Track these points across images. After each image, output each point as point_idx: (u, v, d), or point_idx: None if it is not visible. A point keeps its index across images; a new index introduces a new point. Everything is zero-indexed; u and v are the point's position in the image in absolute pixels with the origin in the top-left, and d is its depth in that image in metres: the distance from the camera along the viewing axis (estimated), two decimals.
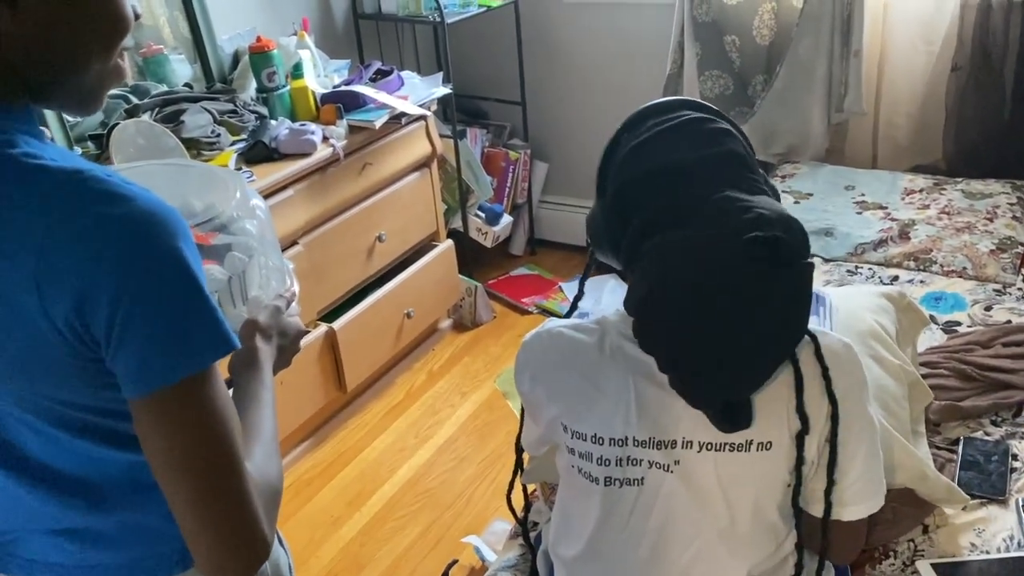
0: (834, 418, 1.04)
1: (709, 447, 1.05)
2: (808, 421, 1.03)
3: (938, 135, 2.69)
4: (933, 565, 1.36)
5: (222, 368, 0.79)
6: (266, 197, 2.19)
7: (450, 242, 2.97)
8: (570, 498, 1.18)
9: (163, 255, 0.71)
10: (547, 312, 3.19)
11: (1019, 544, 1.40)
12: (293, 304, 1.08)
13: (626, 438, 1.06)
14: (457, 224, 3.19)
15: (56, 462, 0.80)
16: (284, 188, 2.24)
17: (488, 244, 3.31)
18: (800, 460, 1.05)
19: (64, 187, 0.70)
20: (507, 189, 3.41)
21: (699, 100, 1.15)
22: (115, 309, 0.70)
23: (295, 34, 2.65)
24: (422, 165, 2.80)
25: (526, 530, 1.47)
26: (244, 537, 0.75)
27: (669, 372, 1.02)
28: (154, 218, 0.71)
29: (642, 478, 1.07)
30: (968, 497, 1.45)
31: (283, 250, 2.22)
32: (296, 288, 1.12)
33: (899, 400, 1.48)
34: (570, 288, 3.29)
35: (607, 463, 1.08)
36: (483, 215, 3.27)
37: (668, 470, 1.06)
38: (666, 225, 1.02)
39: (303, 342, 2.25)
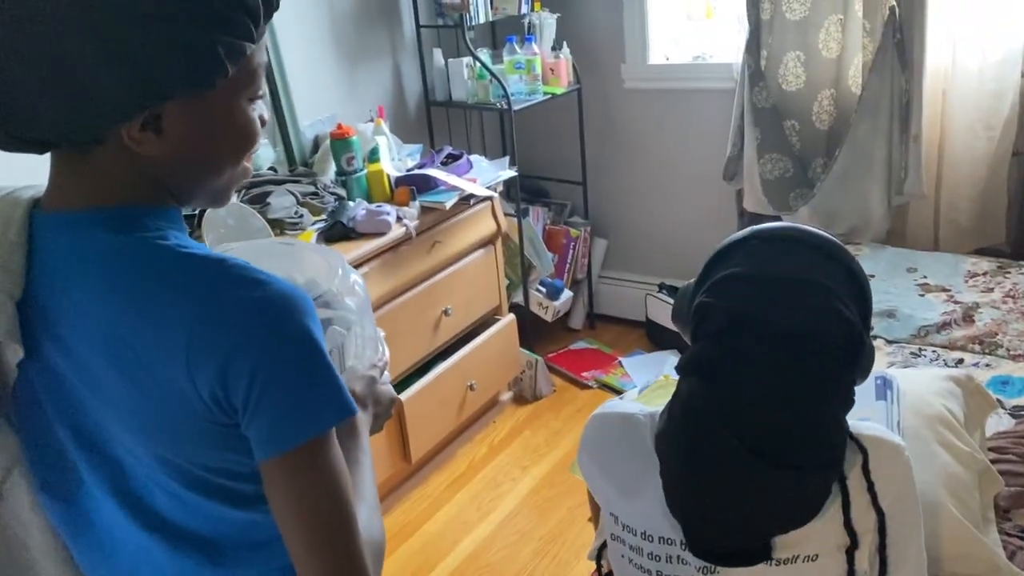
0: (881, 531, 1.03)
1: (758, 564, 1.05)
2: (857, 536, 1.03)
3: (1001, 219, 2.70)
4: None
5: None
6: None
7: (512, 316, 3.05)
8: None
9: (295, 332, 0.80)
10: (606, 386, 3.22)
11: None
12: (386, 372, 1.16)
13: (673, 540, 1.07)
14: (519, 299, 3.27)
15: (182, 520, 0.88)
16: (360, 265, 2.35)
17: (548, 318, 3.38)
18: (851, 573, 1.04)
19: (211, 273, 0.80)
20: (567, 265, 3.50)
21: (836, 243, 1.11)
22: (253, 380, 0.78)
23: (372, 120, 2.81)
24: (487, 243, 2.90)
25: None
26: None
27: (669, 509, 1.05)
28: (287, 300, 0.80)
29: None
30: None
31: None
32: (387, 356, 1.20)
33: (969, 488, 1.48)
34: (630, 363, 3.33)
35: (657, 559, 1.09)
36: (544, 290, 3.35)
37: (715, 572, 1.06)
38: (710, 372, 1.04)
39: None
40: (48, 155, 0.84)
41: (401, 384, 2.62)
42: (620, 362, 3.36)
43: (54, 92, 0.76)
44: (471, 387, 2.84)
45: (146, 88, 0.77)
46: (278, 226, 2.25)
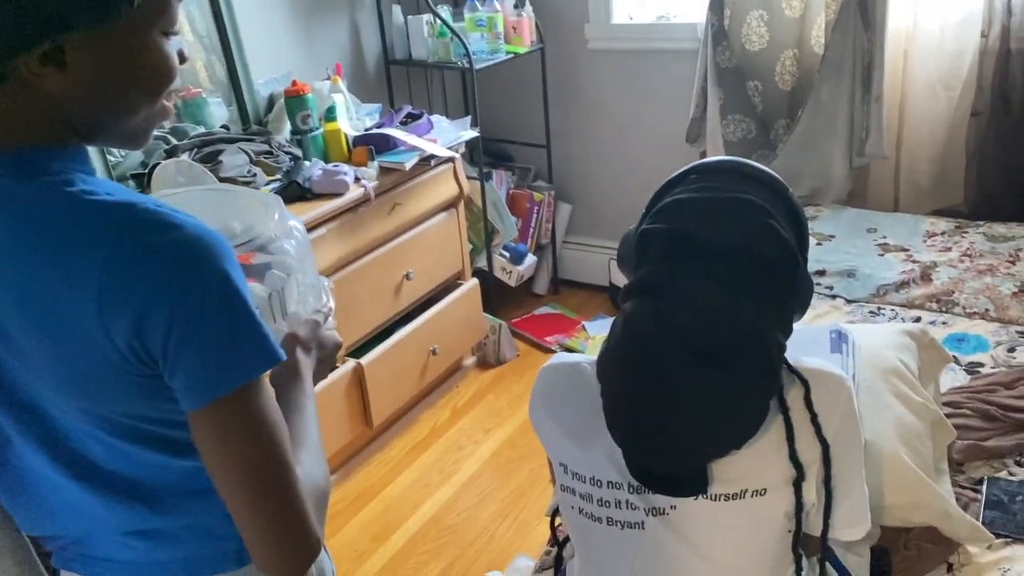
0: (826, 461, 1.05)
1: (704, 496, 1.05)
2: (802, 468, 1.04)
3: (959, 179, 2.72)
4: None
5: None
6: None
7: (475, 281, 3.02)
8: (580, 541, 1.19)
9: (211, 277, 0.76)
10: (570, 351, 3.21)
11: None
12: (330, 319, 1.14)
13: (621, 483, 1.08)
14: (482, 263, 3.24)
15: (121, 470, 0.85)
16: (317, 227, 2.30)
17: (512, 283, 3.35)
18: (799, 506, 1.05)
19: (119, 219, 0.76)
20: (531, 230, 3.47)
21: (776, 178, 1.15)
22: (171, 329, 0.75)
23: (328, 79, 2.74)
24: (449, 206, 2.86)
25: (560, 557, 1.47)
26: (296, 535, 0.80)
27: (611, 433, 1.05)
28: (202, 243, 0.76)
29: (642, 522, 1.09)
30: (992, 536, 1.45)
31: None
32: (332, 304, 1.17)
33: (922, 438, 1.49)
34: (593, 327, 3.33)
35: (607, 504, 1.10)
36: (508, 255, 3.33)
37: (665, 514, 1.07)
38: (652, 288, 1.05)
39: (332, 377, 2.30)
40: None
41: (362, 349, 2.59)
42: (583, 326, 3.35)
43: None
44: (433, 352, 2.81)
45: (43, 17, 0.72)
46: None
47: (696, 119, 3.01)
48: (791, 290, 1.07)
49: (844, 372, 1.12)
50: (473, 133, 2.84)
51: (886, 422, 1.43)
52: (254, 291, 1.07)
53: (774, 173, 1.14)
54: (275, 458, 0.80)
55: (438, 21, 2.96)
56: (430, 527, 2.40)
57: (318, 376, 1.07)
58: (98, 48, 0.76)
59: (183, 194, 1.33)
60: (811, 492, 1.06)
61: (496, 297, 3.28)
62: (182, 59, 0.84)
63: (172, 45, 0.82)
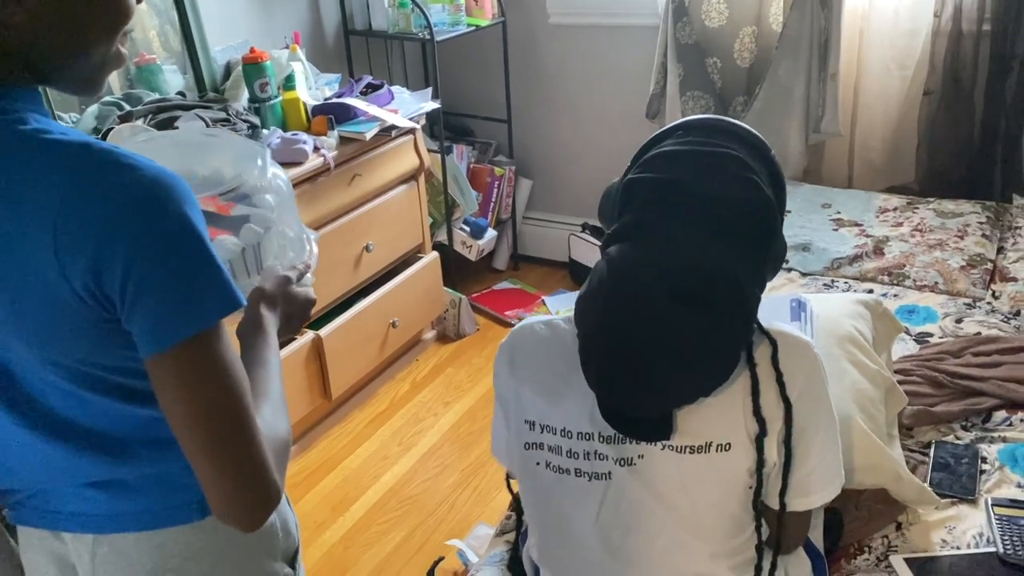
0: (788, 421, 1.07)
1: (670, 448, 1.08)
2: (765, 424, 1.06)
3: (911, 157, 2.78)
4: (906, 560, 1.41)
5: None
6: None
7: (436, 254, 3.01)
8: (543, 498, 1.19)
9: (170, 219, 0.75)
10: None
11: (988, 540, 1.45)
12: (308, 275, 1.12)
13: (592, 434, 1.10)
14: (442, 237, 3.24)
15: (81, 418, 0.84)
16: None
17: (472, 257, 3.35)
18: (761, 463, 1.08)
19: (75, 159, 0.74)
20: (492, 204, 3.47)
21: (759, 137, 1.17)
22: (128, 272, 0.74)
23: (287, 47, 2.70)
24: (410, 178, 2.85)
25: (520, 519, 1.48)
26: (256, 484, 0.80)
27: (584, 373, 1.07)
28: (160, 184, 0.75)
29: (609, 472, 1.11)
30: (939, 499, 1.50)
31: None
32: (314, 259, 1.16)
33: (876, 404, 1.53)
34: (553, 302, 3.34)
35: (576, 456, 1.11)
36: (468, 229, 3.32)
37: (632, 464, 1.09)
38: (635, 232, 1.08)
39: (291, 348, 2.26)
40: None
41: (321, 320, 2.57)
42: (543, 301, 3.37)
43: None
44: (393, 325, 2.80)
45: None
46: None
47: (656, 95, 3.03)
48: (768, 245, 1.10)
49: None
50: (434, 105, 2.82)
51: (842, 387, 1.46)
52: (227, 244, 1.06)
53: (757, 133, 1.17)
54: (234, 405, 0.79)
55: None
56: (389, 498, 2.40)
57: (285, 332, 1.06)
58: None
59: (168, 137, 1.31)
60: (772, 450, 1.08)
61: (456, 271, 3.28)
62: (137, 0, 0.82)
63: None
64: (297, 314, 1.08)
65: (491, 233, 3.40)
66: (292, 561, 1.05)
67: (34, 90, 0.80)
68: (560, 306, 3.31)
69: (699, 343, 1.02)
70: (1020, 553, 1.40)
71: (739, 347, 1.05)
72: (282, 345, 1.11)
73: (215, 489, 0.79)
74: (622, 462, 1.09)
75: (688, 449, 1.07)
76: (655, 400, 1.04)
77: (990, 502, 1.51)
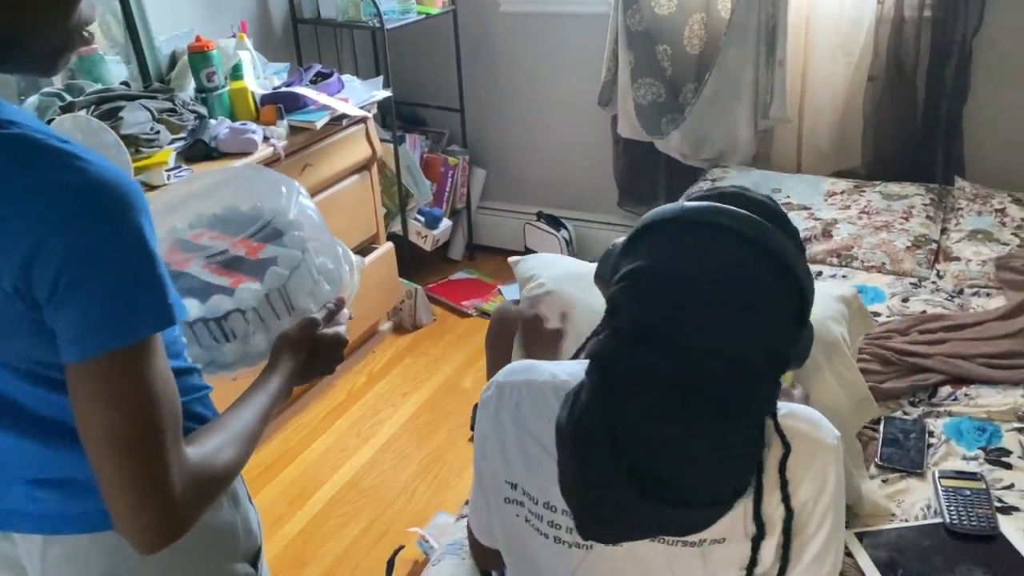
0: (787, 530, 0.97)
1: (661, 540, 0.99)
2: (764, 527, 0.97)
3: (857, 142, 2.83)
4: (856, 534, 1.44)
5: None
6: None
7: (390, 244, 2.99)
8: (518, 543, 1.11)
9: (112, 223, 0.73)
10: (486, 314, 3.23)
11: (935, 512, 1.49)
12: (344, 311, 1.10)
13: None
14: (397, 228, 3.21)
15: (28, 411, 0.82)
16: None
17: (427, 247, 3.34)
18: (754, 562, 0.99)
19: (22, 152, 0.72)
20: (446, 194, 3.46)
21: (787, 224, 0.95)
22: (61, 273, 0.71)
23: (234, 36, 2.65)
24: (362, 168, 2.82)
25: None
26: (154, 511, 0.77)
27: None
28: (108, 186, 0.73)
29: (591, 545, 1.03)
30: (891, 509, 1.50)
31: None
32: (352, 289, 1.16)
33: (848, 419, 1.51)
34: (509, 291, 3.34)
35: (557, 527, 1.03)
36: (423, 219, 3.31)
37: (618, 544, 1.01)
38: (648, 337, 0.88)
39: None
40: None
41: None
42: (499, 290, 3.37)
43: None
44: (348, 316, 2.77)
45: None
46: (133, 143, 2.10)
47: (608, 82, 3.04)
48: (796, 340, 0.94)
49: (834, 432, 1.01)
50: (385, 93, 2.80)
51: (817, 399, 1.43)
52: (246, 293, 1.06)
53: (770, 227, 0.90)
54: (146, 427, 0.76)
55: None
56: (348, 490, 2.39)
57: (317, 371, 1.05)
58: None
59: (208, 176, 1.31)
60: (769, 552, 0.99)
61: (411, 262, 3.26)
62: None
63: None
64: (325, 354, 1.06)
65: (446, 223, 3.39)
66: (254, 560, 1.04)
67: None
68: (515, 295, 3.29)
69: (673, 523, 0.92)
70: (965, 523, 1.44)
71: (722, 515, 0.93)
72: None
73: (113, 508, 0.77)
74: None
75: (681, 543, 0.98)
76: (679, 517, 0.93)
77: (937, 475, 1.55)
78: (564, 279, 1.65)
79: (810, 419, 0.98)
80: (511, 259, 1.78)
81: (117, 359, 0.74)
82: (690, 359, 0.85)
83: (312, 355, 1.04)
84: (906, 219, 2.45)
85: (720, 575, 1.01)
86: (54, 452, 0.84)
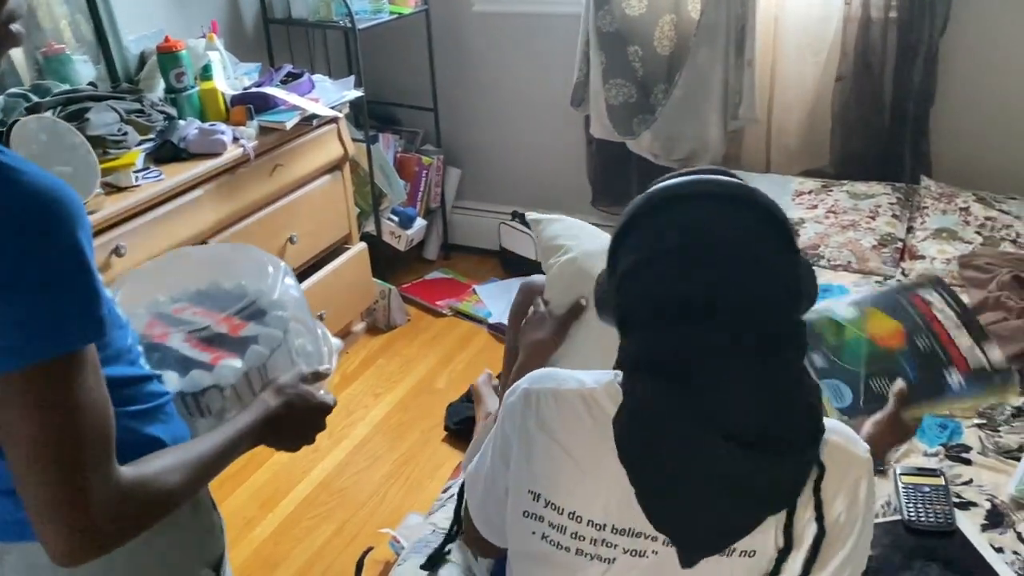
0: (815, 547, 0.98)
1: None
2: (793, 541, 0.98)
3: (825, 141, 2.86)
4: None
5: None
6: (174, 197, 2.18)
7: (363, 245, 2.99)
8: (531, 559, 1.08)
9: (44, 235, 0.72)
10: (461, 314, 3.23)
11: (894, 509, 1.51)
12: (322, 385, 1.11)
13: (605, 524, 1.00)
14: (370, 228, 3.21)
15: None
16: (193, 188, 2.23)
17: (401, 248, 3.34)
18: (777, 571, 1.00)
19: None
20: (420, 194, 3.45)
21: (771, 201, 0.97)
22: None
23: (204, 36, 2.64)
24: (334, 168, 2.82)
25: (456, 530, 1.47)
26: (66, 524, 0.76)
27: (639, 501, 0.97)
28: (42, 197, 0.73)
29: (613, 559, 1.02)
30: None
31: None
32: (330, 368, 1.17)
33: None
34: (484, 291, 3.35)
35: (581, 539, 1.02)
36: (396, 219, 3.30)
37: (643, 556, 1.01)
38: (668, 370, 0.92)
39: None
40: None
41: None
42: (474, 290, 3.37)
43: None
44: (321, 317, 2.77)
45: None
46: (100, 144, 2.08)
47: (580, 83, 3.05)
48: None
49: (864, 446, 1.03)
50: (357, 93, 2.79)
51: None
52: (225, 371, 1.06)
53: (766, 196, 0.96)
54: (65, 439, 0.75)
55: None
56: (320, 491, 2.39)
57: (292, 431, 1.05)
58: None
59: (197, 253, 1.33)
60: (796, 564, 1.00)
61: (385, 262, 3.26)
62: None
63: None
64: (308, 415, 1.06)
65: (420, 223, 3.39)
66: (217, 565, 1.04)
67: None
68: (490, 295, 3.32)
69: (761, 490, 0.94)
70: (923, 519, 1.47)
71: (805, 473, 0.96)
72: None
73: (31, 519, 0.77)
74: (633, 553, 1.01)
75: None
76: (717, 539, 0.97)
77: (898, 471, 1.58)
78: (595, 255, 1.55)
79: (842, 432, 1.00)
80: (530, 216, 1.69)
81: (41, 371, 0.74)
82: (723, 318, 0.89)
83: (293, 409, 1.04)
84: (873, 218, 2.48)
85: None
86: (3, 463, 0.83)
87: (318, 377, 1.13)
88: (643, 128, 2.94)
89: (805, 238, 2.42)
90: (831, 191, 2.66)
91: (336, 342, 1.27)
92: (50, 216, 0.73)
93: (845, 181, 2.73)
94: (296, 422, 1.05)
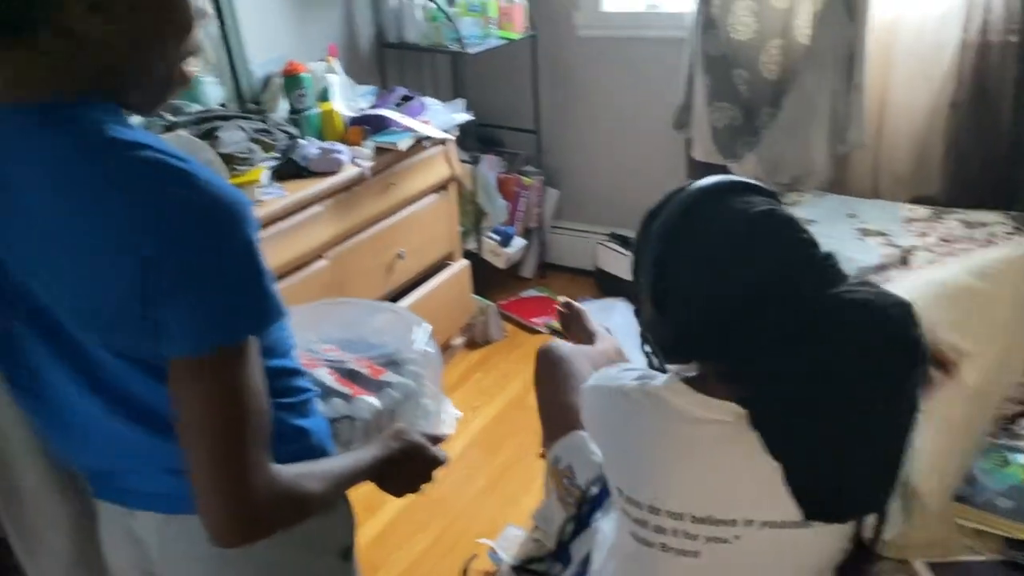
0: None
1: (772, 525, 1.03)
2: None
3: (937, 168, 2.80)
4: (930, 564, 1.43)
5: None
6: (295, 212, 2.30)
7: (465, 262, 3.07)
8: (627, 558, 1.14)
9: (224, 233, 0.80)
10: (558, 332, 3.27)
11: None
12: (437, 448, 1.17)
13: (683, 514, 1.05)
14: (472, 246, 3.29)
15: (157, 406, 0.89)
16: (312, 204, 2.35)
17: (501, 265, 3.41)
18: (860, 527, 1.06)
19: (146, 168, 0.80)
20: (520, 213, 3.52)
21: (739, 179, 1.11)
22: (173, 277, 0.79)
23: (323, 60, 2.78)
24: (441, 187, 2.91)
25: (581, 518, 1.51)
26: (230, 502, 0.84)
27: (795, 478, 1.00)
28: (222, 202, 0.81)
29: (698, 552, 1.06)
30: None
31: (307, 264, 2.34)
32: (448, 434, 1.25)
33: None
34: None
35: (663, 531, 1.06)
36: (497, 237, 3.38)
37: (726, 542, 1.05)
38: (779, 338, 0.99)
39: None
40: None
41: None
42: None
43: None
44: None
45: None
46: (229, 161, 2.22)
47: (683, 106, 3.07)
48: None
49: None
50: (467, 116, 2.89)
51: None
52: (363, 404, 1.15)
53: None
54: (232, 420, 0.83)
55: (432, 5, 3.00)
56: (418, 500, 2.45)
57: (401, 476, 1.10)
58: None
59: (344, 306, 1.45)
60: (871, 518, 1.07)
61: (484, 279, 3.34)
62: (201, 15, 0.88)
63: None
64: (420, 464, 1.12)
65: (519, 242, 3.46)
66: (347, 555, 1.10)
67: (111, 102, 0.86)
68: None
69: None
70: None
71: None
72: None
73: (196, 496, 0.84)
74: (716, 540, 1.05)
75: (792, 524, 1.03)
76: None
77: None
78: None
79: None
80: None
81: (216, 358, 0.82)
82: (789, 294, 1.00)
83: (407, 456, 1.10)
84: (987, 246, 2.41)
85: (830, 552, 1.06)
86: (174, 445, 0.92)
87: (436, 441, 1.19)
88: (747, 151, 2.94)
89: (916, 266, 2.37)
90: (943, 219, 2.60)
91: (456, 412, 1.33)
92: (230, 217, 0.81)
93: (956, 208, 2.66)
94: (408, 469, 1.12)
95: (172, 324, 0.81)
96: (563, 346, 1.74)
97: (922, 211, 2.67)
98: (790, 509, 1.00)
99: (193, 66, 0.91)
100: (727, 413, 1.03)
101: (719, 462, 1.04)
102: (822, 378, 0.95)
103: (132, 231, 0.78)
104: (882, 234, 2.56)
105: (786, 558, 1.05)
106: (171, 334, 0.81)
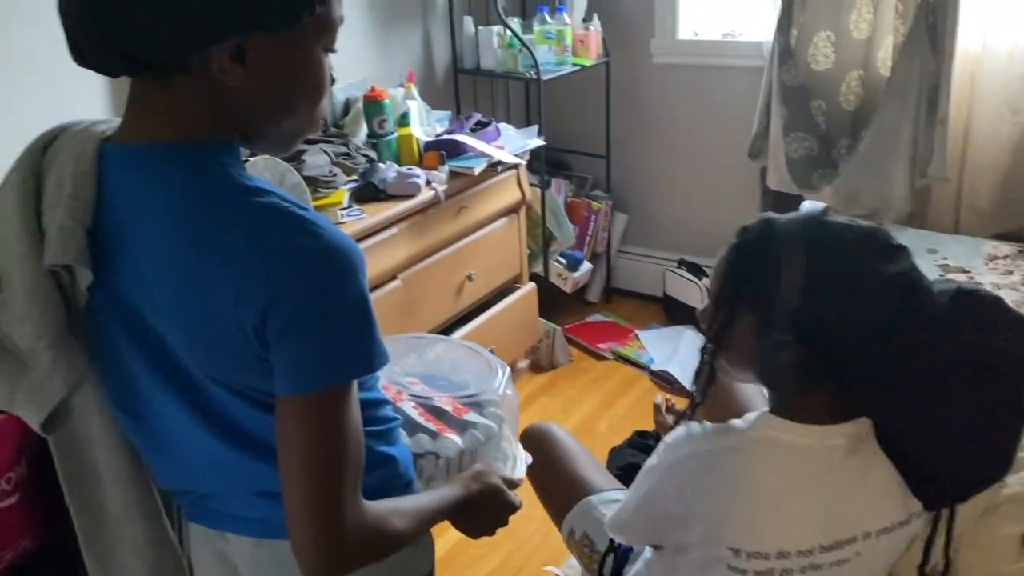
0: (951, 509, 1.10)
1: (886, 531, 1.08)
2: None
3: (1022, 203, 2.72)
4: None
5: None
6: (373, 234, 2.35)
7: (532, 285, 3.09)
8: None
9: (338, 281, 0.84)
10: (623, 358, 3.26)
11: None
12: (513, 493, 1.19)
13: (812, 548, 1.06)
14: (539, 269, 3.31)
15: (256, 432, 0.92)
16: (389, 226, 2.39)
17: (568, 289, 3.42)
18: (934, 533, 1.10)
19: (268, 216, 0.84)
20: (588, 238, 3.53)
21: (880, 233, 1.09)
22: (289, 320, 0.82)
23: (402, 86, 2.84)
24: (511, 211, 2.94)
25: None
26: (322, 536, 0.86)
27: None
28: (339, 252, 0.84)
29: None
30: None
31: (382, 284, 2.38)
32: (522, 479, 1.26)
33: None
34: (647, 337, 3.37)
35: (789, 573, 1.07)
36: (564, 261, 3.39)
37: (847, 562, 1.07)
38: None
39: None
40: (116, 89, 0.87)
41: None
42: (637, 335, 3.40)
43: (156, 2, 0.78)
44: (491, 352, 2.87)
45: (243, 12, 0.80)
46: (312, 183, 2.28)
47: (759, 135, 3.05)
48: None
49: None
50: (539, 142, 2.92)
51: None
52: (448, 443, 1.17)
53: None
54: (332, 458, 0.86)
55: (508, 33, 3.04)
56: None
57: (477, 517, 1.12)
58: (277, 50, 0.84)
59: (436, 342, 1.52)
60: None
61: (550, 303, 3.34)
62: (332, 79, 0.92)
63: (328, 62, 0.90)
64: (497, 507, 1.14)
65: (586, 266, 3.46)
66: None
67: (236, 145, 0.90)
68: (653, 341, 3.33)
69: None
70: None
71: None
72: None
73: (290, 527, 0.87)
74: (838, 564, 1.07)
75: (900, 523, 1.09)
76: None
77: None
78: None
79: None
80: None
81: (324, 396, 0.85)
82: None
83: (486, 499, 1.11)
84: None
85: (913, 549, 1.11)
86: (272, 469, 0.95)
87: (511, 485, 1.21)
88: (824, 182, 2.90)
89: None
90: None
91: (527, 456, 1.34)
92: (349, 265, 0.84)
93: None
94: (485, 512, 1.14)
95: (283, 363, 0.85)
96: (541, 424, 1.76)
97: (1006, 248, 2.61)
98: (900, 509, 1.06)
99: (320, 115, 0.95)
100: (838, 436, 1.06)
101: (839, 486, 1.06)
102: (951, 377, 1.00)
103: (255, 276, 0.82)
104: (964, 271, 2.50)
105: (891, 557, 1.10)
106: (283, 373, 0.85)
